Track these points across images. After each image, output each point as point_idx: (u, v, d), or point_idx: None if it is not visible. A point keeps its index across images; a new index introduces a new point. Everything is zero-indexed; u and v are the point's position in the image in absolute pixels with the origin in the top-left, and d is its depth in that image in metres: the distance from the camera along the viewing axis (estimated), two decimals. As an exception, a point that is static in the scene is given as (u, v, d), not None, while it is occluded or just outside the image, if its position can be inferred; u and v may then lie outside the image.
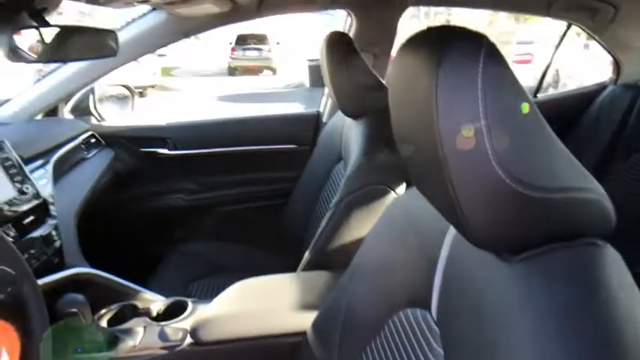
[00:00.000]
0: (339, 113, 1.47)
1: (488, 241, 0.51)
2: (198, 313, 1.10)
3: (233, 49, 13.75)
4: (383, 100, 1.26)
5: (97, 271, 1.21)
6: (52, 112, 1.74)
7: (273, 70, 13.96)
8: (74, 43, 0.94)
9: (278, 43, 14.12)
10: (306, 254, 1.23)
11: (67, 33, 0.92)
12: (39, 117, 1.67)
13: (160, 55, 11.40)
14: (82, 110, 1.86)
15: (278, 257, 1.67)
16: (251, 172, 1.98)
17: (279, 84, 12.30)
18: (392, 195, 1.15)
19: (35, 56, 0.87)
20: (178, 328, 1.07)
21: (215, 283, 1.51)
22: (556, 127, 0.49)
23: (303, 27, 14.88)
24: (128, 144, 1.87)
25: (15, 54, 0.82)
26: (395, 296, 0.71)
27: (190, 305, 1.14)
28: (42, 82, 1.59)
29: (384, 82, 1.29)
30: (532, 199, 0.46)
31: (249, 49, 13.63)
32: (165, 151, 1.90)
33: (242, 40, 13.53)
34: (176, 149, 1.91)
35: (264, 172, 1.98)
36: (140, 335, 1.03)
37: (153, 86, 10.55)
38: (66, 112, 1.82)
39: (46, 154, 1.39)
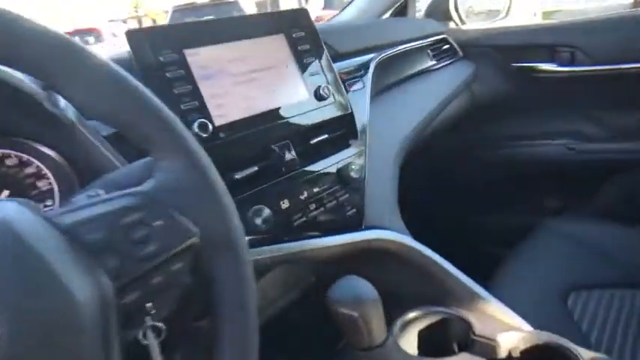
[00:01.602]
0: None
1: None
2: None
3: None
4: None
5: (412, 242, 0.73)
6: (401, 13, 1.34)
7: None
8: None
9: None
10: None
11: None
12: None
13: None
14: (439, 14, 1.38)
15: None
16: None
17: None
18: None
19: None
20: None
21: (618, 302, 0.85)
22: None
23: None
24: (496, 56, 1.29)
25: None
26: None
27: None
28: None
29: None
30: None
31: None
32: (551, 66, 1.20)
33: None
34: (571, 65, 1.18)
35: None
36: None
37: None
38: (419, 15, 1.39)
39: (368, 51, 0.94)
